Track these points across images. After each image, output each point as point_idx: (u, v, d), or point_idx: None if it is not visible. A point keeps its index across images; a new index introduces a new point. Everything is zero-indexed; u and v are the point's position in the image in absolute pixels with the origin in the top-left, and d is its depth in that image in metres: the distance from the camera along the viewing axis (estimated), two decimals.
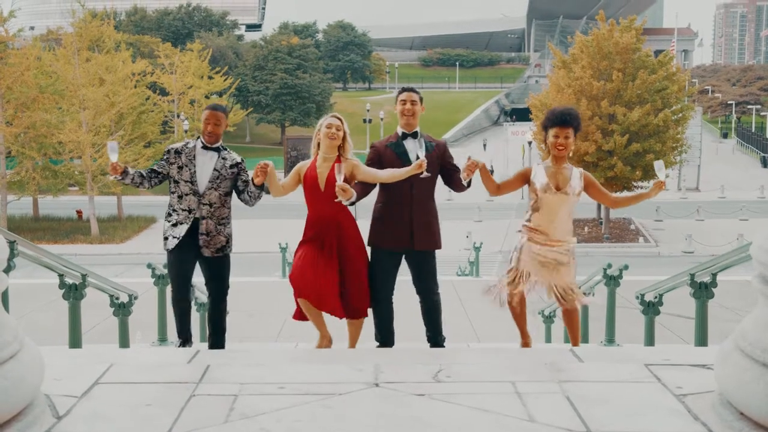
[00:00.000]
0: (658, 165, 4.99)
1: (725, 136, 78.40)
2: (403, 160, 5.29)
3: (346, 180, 5.09)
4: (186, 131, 47.50)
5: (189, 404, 3.42)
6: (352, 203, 5.14)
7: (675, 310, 8.64)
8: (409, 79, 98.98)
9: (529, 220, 5.22)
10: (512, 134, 55.26)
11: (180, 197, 5.41)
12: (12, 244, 5.66)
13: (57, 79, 34.39)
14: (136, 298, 8.01)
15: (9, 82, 31.84)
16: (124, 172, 5.28)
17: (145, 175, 5.47)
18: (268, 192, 5.44)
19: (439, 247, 5.49)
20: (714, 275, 5.84)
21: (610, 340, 8.12)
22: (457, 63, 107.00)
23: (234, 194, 5.60)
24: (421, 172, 4.98)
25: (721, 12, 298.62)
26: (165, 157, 5.50)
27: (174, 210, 5.44)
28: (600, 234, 33.64)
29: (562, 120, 5.05)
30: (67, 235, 33.67)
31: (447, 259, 24.42)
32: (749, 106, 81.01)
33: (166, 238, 5.46)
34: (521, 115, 67.10)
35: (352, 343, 5.59)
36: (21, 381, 2.94)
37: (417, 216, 5.32)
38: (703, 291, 5.97)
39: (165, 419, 3.23)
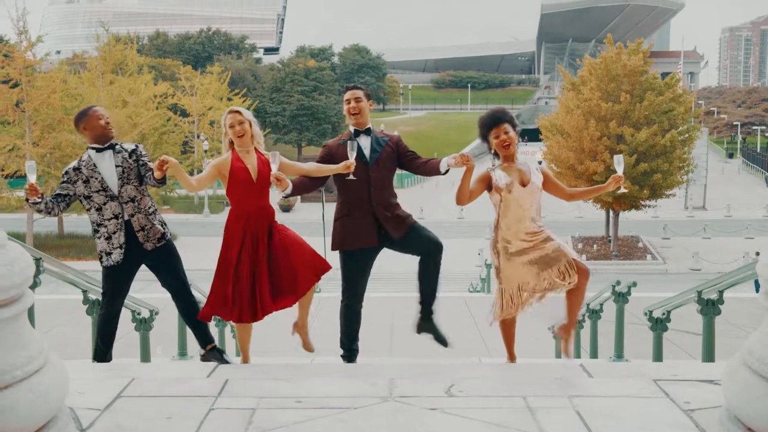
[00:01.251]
0: (617, 159, 4.92)
1: (731, 156, 78.15)
2: (358, 156, 5.21)
3: (268, 172, 4.95)
4: (206, 151, 47.84)
5: (208, 417, 3.50)
6: (287, 196, 5.04)
7: (683, 327, 8.64)
8: (422, 100, 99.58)
9: (497, 228, 5.10)
10: (522, 154, 54.87)
11: (99, 209, 5.09)
12: (38, 261, 5.80)
13: (82, 101, 34.63)
14: (157, 313, 8.04)
15: (36, 105, 32.16)
16: (42, 196, 4.93)
17: (54, 202, 5.08)
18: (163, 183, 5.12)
19: (414, 222, 5.33)
20: (721, 292, 5.85)
21: (619, 355, 8.13)
22: (469, 85, 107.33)
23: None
24: (348, 174, 5.00)
25: (727, 35, 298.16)
26: (65, 179, 5.13)
27: (100, 224, 5.12)
28: (609, 252, 33.71)
29: (493, 121, 5.00)
30: (90, 252, 33.71)
31: (459, 275, 23.84)
32: (754, 127, 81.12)
33: (108, 254, 5.10)
34: (532, 135, 67.03)
35: (303, 319, 5.29)
36: (46, 394, 3.01)
37: (380, 212, 5.24)
38: (710, 307, 5.98)
39: None
